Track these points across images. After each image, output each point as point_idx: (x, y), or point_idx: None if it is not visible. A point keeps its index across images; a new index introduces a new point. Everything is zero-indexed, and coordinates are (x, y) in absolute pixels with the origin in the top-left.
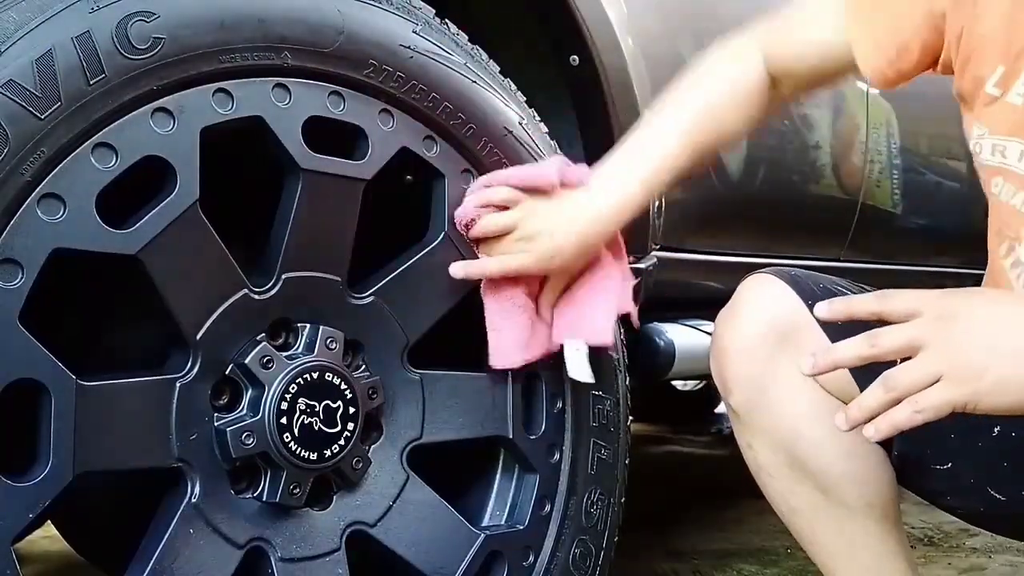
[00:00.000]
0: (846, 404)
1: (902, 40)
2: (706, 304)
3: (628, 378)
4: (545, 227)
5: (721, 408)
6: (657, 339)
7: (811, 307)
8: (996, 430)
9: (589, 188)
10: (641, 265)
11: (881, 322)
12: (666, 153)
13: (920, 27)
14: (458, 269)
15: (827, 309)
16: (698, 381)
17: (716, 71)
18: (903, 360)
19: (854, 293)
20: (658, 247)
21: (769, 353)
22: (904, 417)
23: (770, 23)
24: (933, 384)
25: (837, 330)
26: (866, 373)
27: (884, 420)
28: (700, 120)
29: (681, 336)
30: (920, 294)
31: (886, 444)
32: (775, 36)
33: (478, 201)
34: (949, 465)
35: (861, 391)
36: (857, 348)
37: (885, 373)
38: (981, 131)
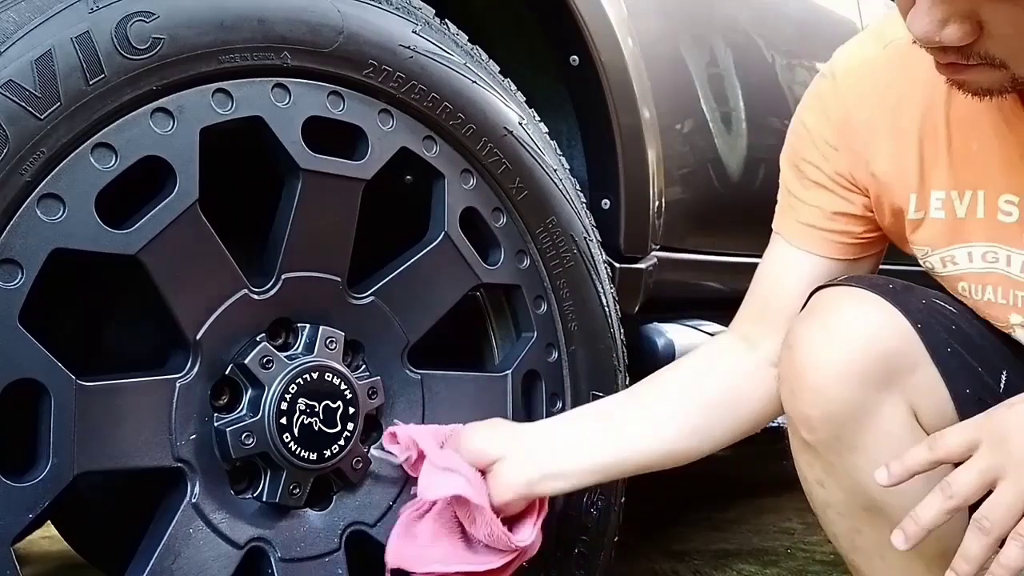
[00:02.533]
0: None
1: (833, 211)
2: (706, 304)
3: (628, 378)
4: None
5: None
6: (657, 339)
7: (920, 331)
8: None
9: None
10: (641, 265)
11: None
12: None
13: (837, 192)
14: None
15: (887, 476)
16: None
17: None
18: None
19: (952, 309)
20: (658, 247)
21: (870, 390)
22: (1016, 555)
23: (745, 311)
24: None
25: (955, 366)
26: (974, 408)
27: (999, 568)
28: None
29: (681, 336)
30: (966, 425)
31: None
32: (759, 311)
33: None
34: None
35: None
36: (937, 504)
37: (974, 517)
38: (923, 251)
